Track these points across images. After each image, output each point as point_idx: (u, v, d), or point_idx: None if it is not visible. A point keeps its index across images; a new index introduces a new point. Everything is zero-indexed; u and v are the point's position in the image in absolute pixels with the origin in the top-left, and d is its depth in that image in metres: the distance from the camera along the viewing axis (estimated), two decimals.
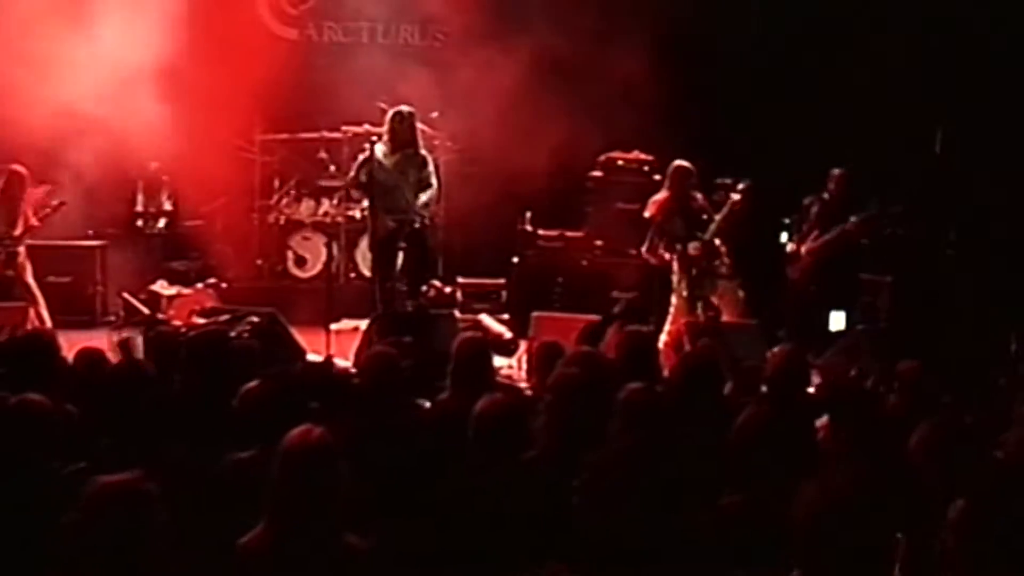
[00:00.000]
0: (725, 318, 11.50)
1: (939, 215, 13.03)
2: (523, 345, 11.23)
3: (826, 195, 12.82)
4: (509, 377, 10.61)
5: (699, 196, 11.98)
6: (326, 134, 14.48)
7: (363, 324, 11.49)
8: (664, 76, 13.49)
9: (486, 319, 11.64)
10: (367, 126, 13.13)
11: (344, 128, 14.16)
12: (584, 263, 13.64)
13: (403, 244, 11.92)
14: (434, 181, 12.09)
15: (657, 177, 12.91)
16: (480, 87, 13.66)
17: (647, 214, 11.92)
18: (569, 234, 13.89)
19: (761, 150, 13.27)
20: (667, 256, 11.73)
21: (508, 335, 11.34)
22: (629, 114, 13.37)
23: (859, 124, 13.21)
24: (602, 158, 13.90)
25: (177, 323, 11.31)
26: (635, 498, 4.78)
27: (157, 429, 5.62)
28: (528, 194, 13.67)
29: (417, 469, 5.70)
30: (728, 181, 12.38)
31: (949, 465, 5.15)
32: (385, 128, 11.98)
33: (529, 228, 13.82)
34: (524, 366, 10.74)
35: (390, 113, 11.99)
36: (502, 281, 13.65)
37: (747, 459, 5.25)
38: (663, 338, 11.00)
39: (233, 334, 9.15)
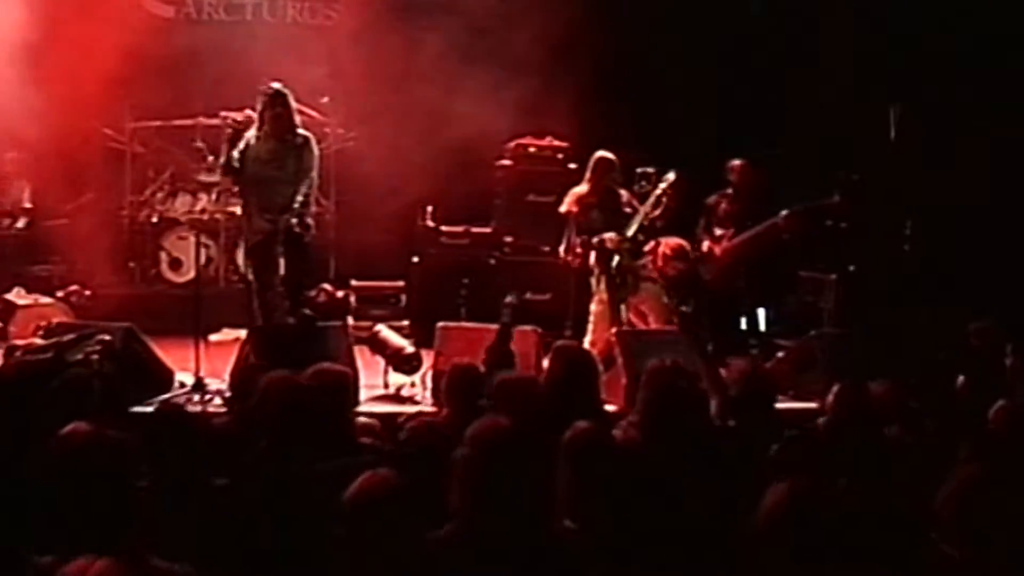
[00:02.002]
0: (652, 325, 10.79)
1: (893, 205, 12.31)
2: (427, 359, 10.26)
3: (730, 190, 12.09)
4: (412, 398, 9.88)
5: (624, 193, 11.16)
6: (203, 121, 13.46)
7: (244, 334, 10.46)
8: (581, 55, 13.00)
9: (384, 330, 10.51)
10: (249, 112, 12.03)
11: (223, 114, 12.91)
12: (492, 262, 13.06)
13: (280, 248, 10.75)
14: (314, 169, 10.88)
15: (573, 166, 12.48)
16: (376, 69, 12.97)
17: (562, 208, 11.13)
18: (475, 230, 13.27)
19: (690, 135, 12.81)
20: (584, 253, 10.87)
21: (410, 349, 10.25)
22: (542, 97, 12.75)
23: (802, 104, 12.82)
24: (511, 145, 13.24)
25: (18, 343, 9.94)
26: None
27: None
28: (429, 186, 12.98)
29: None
30: (651, 171, 11.67)
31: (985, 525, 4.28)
32: (257, 113, 10.80)
33: (431, 224, 13.11)
34: (429, 385, 9.84)
35: (262, 95, 10.80)
36: (401, 284, 12.91)
37: (779, 550, 4.02)
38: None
39: (80, 356, 7.78)
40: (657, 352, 8.70)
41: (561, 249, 11.12)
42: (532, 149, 13.14)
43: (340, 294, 12.44)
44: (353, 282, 12.78)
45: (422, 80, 12.91)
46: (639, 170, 11.76)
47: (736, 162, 11.99)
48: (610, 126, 12.20)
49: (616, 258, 10.74)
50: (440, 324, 10.40)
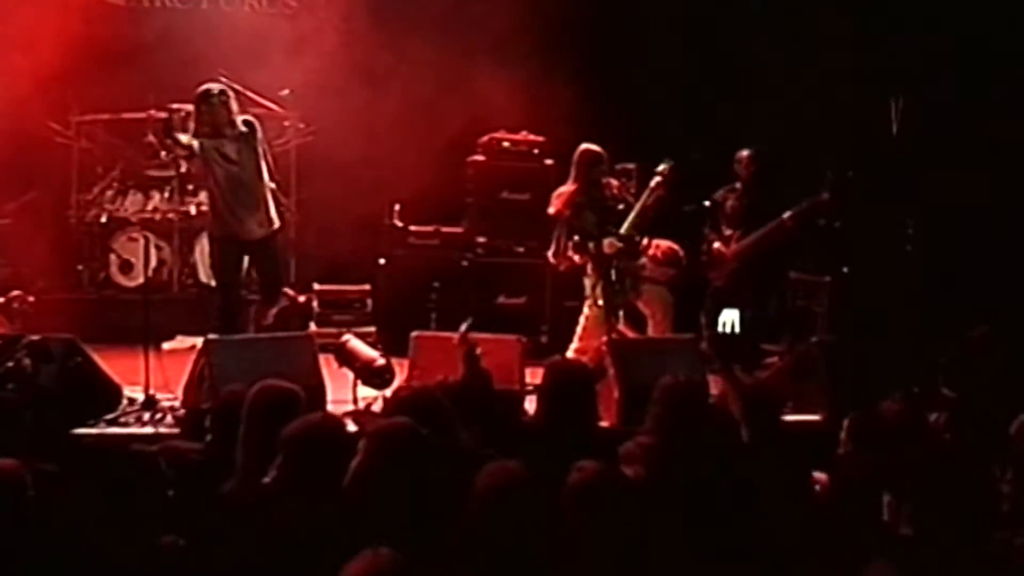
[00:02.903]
0: (652, 328, 10.55)
1: (895, 204, 11.84)
2: (399, 370, 9.71)
3: (738, 184, 11.72)
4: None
5: (613, 183, 10.71)
6: (155, 114, 12.87)
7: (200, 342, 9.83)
8: (559, 44, 12.68)
9: (353, 340, 9.93)
10: None
11: (175, 106, 12.44)
12: (464, 264, 12.62)
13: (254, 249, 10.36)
14: (266, 154, 10.51)
15: (549, 162, 12.23)
16: (339, 60, 12.66)
17: (551, 210, 10.61)
18: (446, 230, 12.84)
19: (677, 129, 12.34)
20: (577, 258, 10.39)
21: (381, 361, 9.66)
22: (516, 89, 12.30)
23: (796, 95, 12.38)
24: (484, 140, 12.75)
25: None
26: None
27: None
28: (397, 183, 12.56)
29: None
30: (632, 167, 11.63)
31: None
32: (195, 114, 10.33)
33: (398, 223, 12.67)
34: None
35: (198, 94, 10.34)
36: (367, 288, 12.53)
37: None
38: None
39: (11, 364, 7.21)
40: (652, 362, 8.39)
41: (550, 253, 10.66)
42: (506, 144, 12.70)
43: (302, 299, 12.04)
44: (316, 286, 12.43)
45: (387, 72, 12.66)
46: (619, 167, 11.46)
47: (744, 153, 11.66)
48: (593, 118, 11.81)
49: (614, 261, 10.34)
50: (415, 333, 9.94)
